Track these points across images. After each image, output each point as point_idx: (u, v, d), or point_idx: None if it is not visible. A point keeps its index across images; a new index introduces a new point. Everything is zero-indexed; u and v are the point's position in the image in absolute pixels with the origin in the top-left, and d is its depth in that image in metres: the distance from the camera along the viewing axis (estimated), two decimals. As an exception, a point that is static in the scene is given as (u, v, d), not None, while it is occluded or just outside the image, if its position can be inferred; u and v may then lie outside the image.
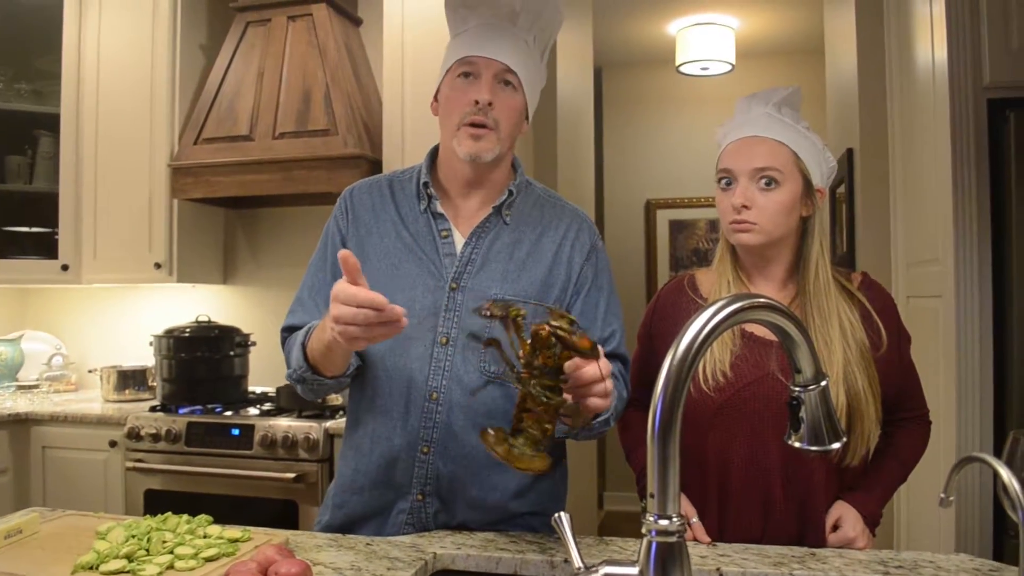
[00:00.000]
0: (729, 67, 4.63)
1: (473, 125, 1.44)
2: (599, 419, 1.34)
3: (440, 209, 1.53)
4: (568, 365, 1.17)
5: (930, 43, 2.51)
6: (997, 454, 2.27)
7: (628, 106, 5.44)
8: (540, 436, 1.21)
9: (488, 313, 1.20)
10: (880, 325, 1.48)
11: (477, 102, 1.43)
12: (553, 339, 1.14)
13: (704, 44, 4.53)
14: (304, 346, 1.41)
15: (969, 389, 2.29)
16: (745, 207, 1.47)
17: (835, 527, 1.45)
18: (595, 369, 1.18)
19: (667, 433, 0.77)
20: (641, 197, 5.42)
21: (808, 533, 1.43)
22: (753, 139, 1.50)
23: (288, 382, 1.49)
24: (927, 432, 1.59)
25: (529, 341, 1.17)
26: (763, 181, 1.46)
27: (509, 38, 1.46)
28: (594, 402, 1.21)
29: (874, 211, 3.19)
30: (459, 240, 1.52)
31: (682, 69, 4.68)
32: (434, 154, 1.59)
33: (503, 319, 1.19)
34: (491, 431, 1.24)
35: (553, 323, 1.15)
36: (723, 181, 1.52)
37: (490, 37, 1.45)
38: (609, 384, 1.21)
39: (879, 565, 1.23)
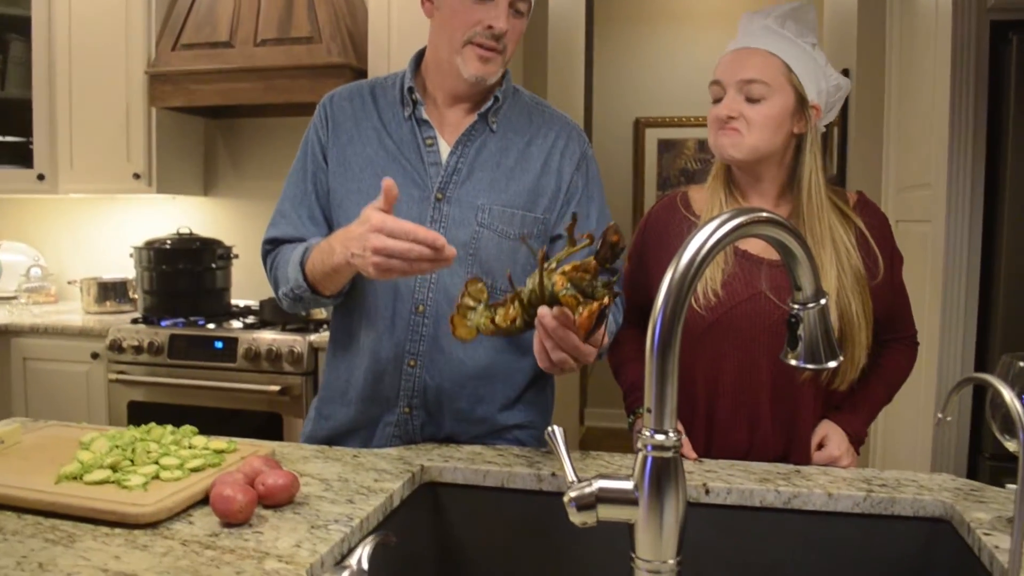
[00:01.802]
0: (724, -18, 4.51)
1: (483, 47, 1.39)
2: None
3: (425, 116, 1.47)
4: (564, 314, 1.12)
5: (934, -40, 2.44)
6: (978, 378, 2.30)
7: (620, 21, 5.31)
8: (495, 326, 1.18)
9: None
10: (876, 251, 1.46)
11: (491, 27, 1.37)
12: (592, 287, 1.10)
13: (700, -43, 4.40)
14: (302, 265, 1.38)
15: (954, 313, 2.30)
16: (731, 117, 1.44)
17: (820, 446, 1.46)
18: (561, 354, 1.15)
19: (666, 349, 0.76)
20: (630, 115, 5.33)
21: (793, 451, 1.45)
22: (745, 51, 1.46)
23: (281, 299, 1.46)
24: (914, 354, 1.60)
25: (579, 264, 1.13)
26: (750, 92, 1.42)
27: None
28: (540, 355, 1.18)
29: (867, 133, 3.15)
30: (444, 149, 1.47)
31: (676, -17, 4.55)
32: (418, 58, 1.53)
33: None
34: (480, 284, 1.22)
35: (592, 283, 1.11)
36: (714, 93, 1.48)
37: None
38: (568, 365, 1.18)
39: (863, 483, 1.25)
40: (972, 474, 2.26)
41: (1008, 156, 2.20)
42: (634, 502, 0.77)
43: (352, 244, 1.20)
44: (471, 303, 1.21)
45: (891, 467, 2.71)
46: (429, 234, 1.14)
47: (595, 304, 1.10)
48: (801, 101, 1.44)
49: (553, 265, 1.15)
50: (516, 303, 1.17)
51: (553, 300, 1.12)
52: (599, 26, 5.29)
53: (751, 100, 1.42)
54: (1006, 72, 2.22)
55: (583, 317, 1.10)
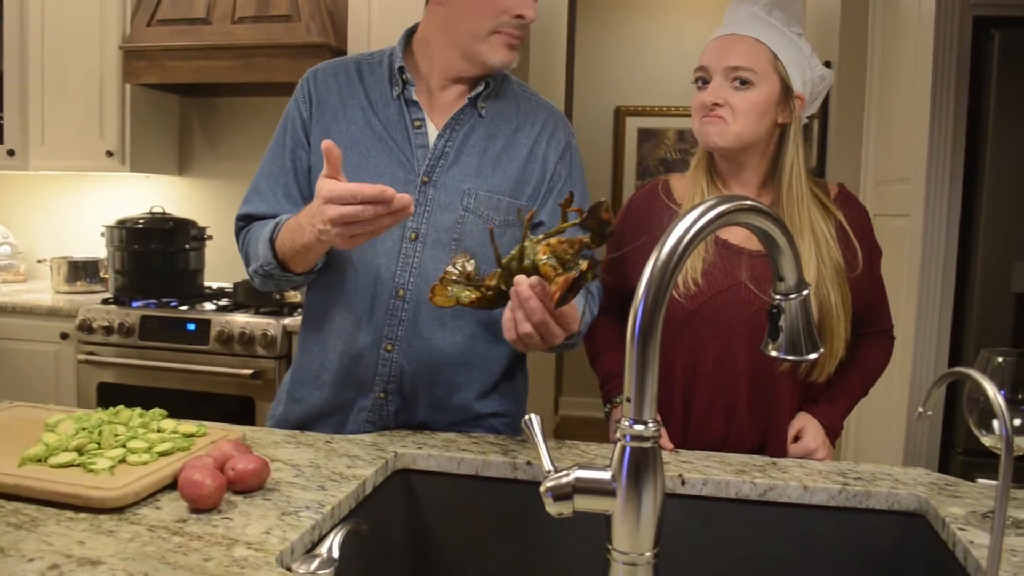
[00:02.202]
0: (708, -28, 4.49)
1: (511, 35, 1.38)
2: (567, 340, 1.29)
3: (415, 97, 1.44)
4: (540, 284, 1.10)
5: (918, -46, 2.44)
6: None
7: (602, 9, 5.29)
8: (477, 292, 1.17)
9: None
10: (856, 244, 1.46)
11: (520, 16, 1.37)
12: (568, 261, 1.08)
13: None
14: (272, 242, 1.34)
15: (929, 309, 2.32)
16: (717, 104, 1.42)
17: (796, 438, 1.46)
18: (527, 327, 1.12)
19: (647, 337, 0.74)
20: (611, 103, 5.31)
21: (770, 442, 1.44)
22: (732, 37, 1.45)
23: (251, 276, 1.43)
24: (890, 348, 1.60)
25: (565, 238, 1.10)
26: (737, 80, 1.41)
27: None
28: (507, 323, 1.15)
29: (847, 126, 3.16)
30: (432, 131, 1.44)
31: (660, -28, 4.53)
32: (407, 37, 1.49)
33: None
34: (468, 257, 1.20)
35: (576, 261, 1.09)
36: (699, 80, 1.47)
37: None
38: (534, 342, 1.15)
39: (838, 476, 1.24)
40: (944, 468, 2.28)
41: (987, 152, 2.21)
42: (612, 493, 0.76)
43: (315, 219, 1.17)
44: (455, 275, 1.19)
45: (863, 460, 2.73)
46: (375, 189, 1.09)
47: (572, 272, 1.08)
48: (786, 90, 1.43)
49: (540, 237, 1.13)
50: (498, 276, 1.15)
51: (533, 269, 1.11)
52: (581, 13, 5.26)
53: (737, 87, 1.41)
54: (987, 68, 2.23)
55: (557, 283, 1.08)
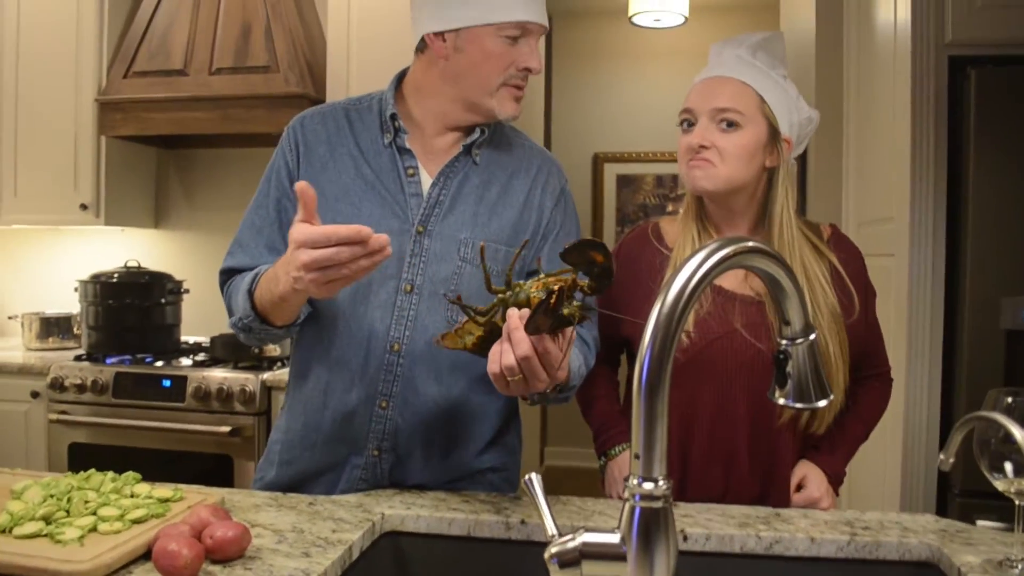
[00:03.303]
0: (682, 19, 4.54)
1: (517, 88, 1.37)
2: (558, 392, 1.24)
3: (407, 144, 1.39)
4: (525, 323, 1.05)
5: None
6: (945, 413, 2.27)
7: (579, 56, 5.33)
8: (470, 340, 1.15)
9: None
10: (851, 287, 1.43)
11: (528, 68, 1.35)
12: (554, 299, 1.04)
13: (658, -5, 4.42)
14: (251, 294, 1.29)
15: (919, 348, 2.29)
16: (703, 147, 1.39)
17: (799, 487, 1.41)
18: (511, 359, 1.06)
19: (655, 389, 0.70)
20: (589, 150, 5.33)
21: (772, 492, 1.40)
22: (718, 79, 1.43)
23: (232, 329, 1.36)
24: (888, 390, 1.57)
25: (559, 276, 1.09)
26: (724, 123, 1.39)
27: None
28: (492, 355, 1.09)
29: (826, 169, 3.17)
30: (425, 179, 1.39)
31: (635, 20, 4.57)
32: (396, 82, 1.45)
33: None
34: (477, 310, 1.17)
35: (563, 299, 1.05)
36: (684, 123, 1.45)
37: None
38: (514, 376, 1.08)
39: (846, 526, 1.20)
40: (941, 511, 2.23)
41: (969, 188, 2.21)
42: (622, 557, 0.71)
43: (289, 268, 1.11)
44: (468, 322, 1.15)
45: (860, 503, 2.68)
46: (350, 229, 1.05)
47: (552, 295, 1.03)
48: (774, 134, 1.41)
49: (541, 276, 1.12)
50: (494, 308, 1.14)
51: (527, 303, 1.09)
52: (558, 61, 5.31)
53: (724, 129, 1.38)
54: (965, 106, 2.23)
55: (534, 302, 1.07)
